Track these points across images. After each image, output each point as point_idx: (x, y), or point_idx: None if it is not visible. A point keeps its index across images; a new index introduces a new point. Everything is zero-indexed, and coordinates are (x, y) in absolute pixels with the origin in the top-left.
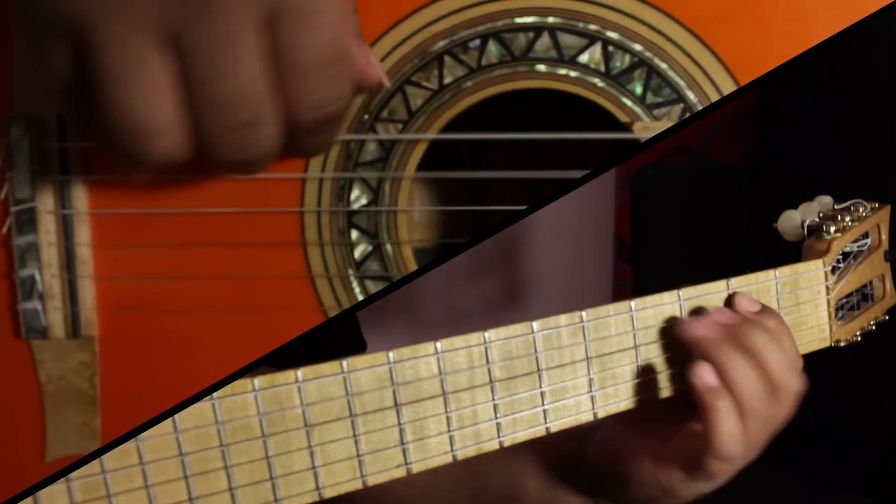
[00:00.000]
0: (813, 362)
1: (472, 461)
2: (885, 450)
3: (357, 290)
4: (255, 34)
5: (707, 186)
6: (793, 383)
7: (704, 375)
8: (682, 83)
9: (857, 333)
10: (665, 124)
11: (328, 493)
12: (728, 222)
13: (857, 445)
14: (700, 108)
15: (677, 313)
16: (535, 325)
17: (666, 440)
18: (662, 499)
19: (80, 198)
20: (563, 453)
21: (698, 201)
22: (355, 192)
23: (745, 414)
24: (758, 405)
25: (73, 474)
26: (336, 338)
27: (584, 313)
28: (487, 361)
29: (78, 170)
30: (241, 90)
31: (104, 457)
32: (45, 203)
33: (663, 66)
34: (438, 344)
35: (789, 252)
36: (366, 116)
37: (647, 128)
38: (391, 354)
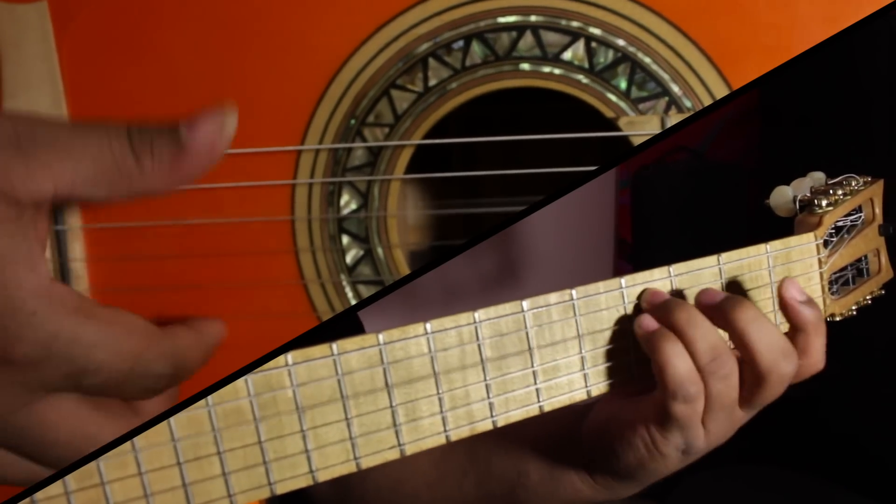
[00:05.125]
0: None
1: (474, 451)
2: (885, 449)
3: (350, 294)
4: None
5: (707, 186)
6: (776, 364)
7: (643, 321)
8: (666, 76)
9: (853, 308)
10: (650, 118)
11: (322, 477)
12: (728, 222)
13: (857, 445)
14: (685, 100)
15: (668, 289)
16: (525, 303)
17: (645, 401)
18: (650, 459)
19: (73, 213)
20: (560, 435)
21: (698, 201)
22: (345, 198)
23: (702, 370)
24: (717, 366)
25: None
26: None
27: (573, 291)
28: (478, 340)
29: None
30: None
31: None
32: None
33: (647, 60)
34: (428, 325)
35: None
36: (352, 122)
37: (632, 122)
38: (381, 336)
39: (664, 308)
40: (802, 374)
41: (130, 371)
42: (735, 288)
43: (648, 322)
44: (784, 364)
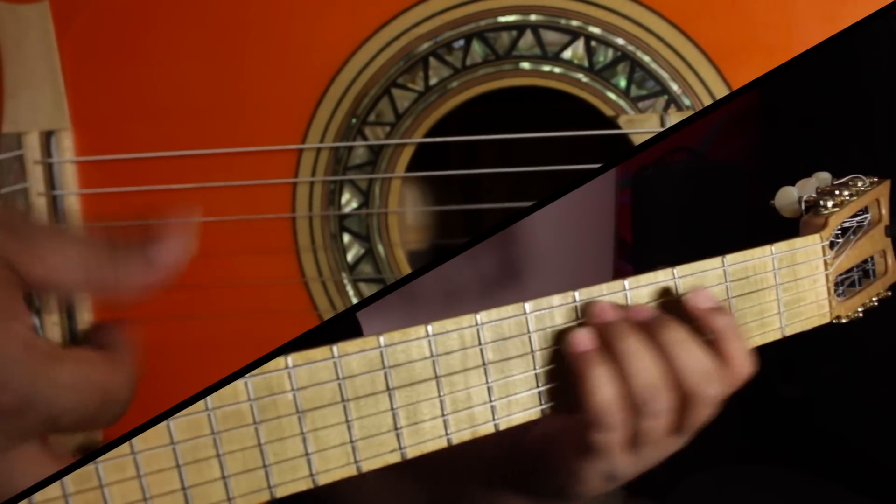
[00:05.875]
0: (813, 362)
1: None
2: (885, 449)
3: (351, 292)
4: None
5: (707, 186)
6: (701, 387)
7: (577, 338)
8: (665, 75)
9: (859, 310)
10: (649, 116)
11: (322, 480)
12: (728, 222)
13: (856, 445)
14: (684, 98)
15: (672, 291)
16: (528, 305)
17: (571, 422)
18: (573, 484)
19: (74, 212)
20: (509, 451)
21: (698, 201)
22: (346, 196)
23: (635, 406)
24: (655, 393)
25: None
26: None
27: (576, 293)
28: (479, 343)
29: (69, 185)
30: None
31: None
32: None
33: (646, 59)
34: (430, 327)
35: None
36: (353, 120)
37: (631, 120)
38: (382, 338)
39: (610, 332)
40: (730, 382)
41: (102, 403)
42: (739, 290)
43: (581, 340)
44: (708, 387)
